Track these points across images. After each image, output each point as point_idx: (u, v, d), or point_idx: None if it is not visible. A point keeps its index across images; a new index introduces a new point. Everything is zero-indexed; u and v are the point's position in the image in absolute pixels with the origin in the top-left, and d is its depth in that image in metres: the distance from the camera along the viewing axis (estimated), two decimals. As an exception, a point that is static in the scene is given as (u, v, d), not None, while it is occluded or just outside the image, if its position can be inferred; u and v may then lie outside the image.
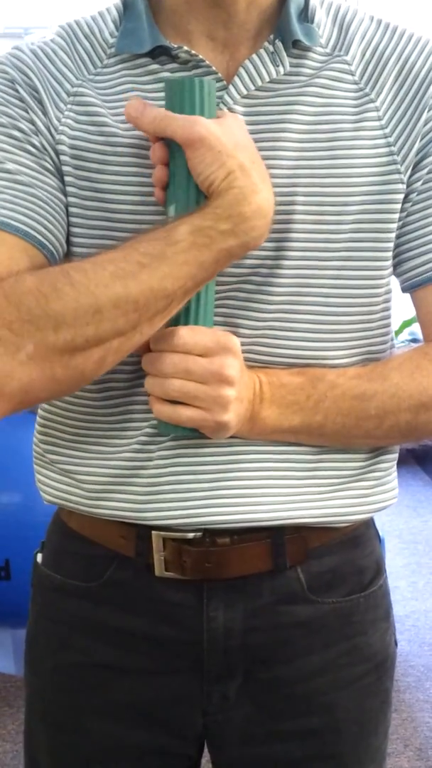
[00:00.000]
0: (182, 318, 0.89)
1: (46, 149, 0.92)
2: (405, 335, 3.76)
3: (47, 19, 4.86)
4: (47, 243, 0.91)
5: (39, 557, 1.08)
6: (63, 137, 0.93)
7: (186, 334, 0.88)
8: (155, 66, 0.94)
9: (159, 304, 0.84)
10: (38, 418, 1.04)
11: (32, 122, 0.92)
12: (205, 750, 1.06)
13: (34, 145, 0.92)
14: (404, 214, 0.96)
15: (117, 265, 0.83)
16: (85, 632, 1.02)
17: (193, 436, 0.92)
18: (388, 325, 1.01)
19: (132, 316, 0.83)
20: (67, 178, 0.93)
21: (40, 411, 1.04)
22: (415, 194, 0.96)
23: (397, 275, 1.00)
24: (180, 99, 0.85)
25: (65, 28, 0.98)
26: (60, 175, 0.93)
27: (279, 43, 0.93)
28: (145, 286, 0.83)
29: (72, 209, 0.93)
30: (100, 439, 0.98)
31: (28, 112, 0.92)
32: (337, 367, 0.96)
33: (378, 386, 0.95)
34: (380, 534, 1.10)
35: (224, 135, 0.85)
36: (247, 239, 0.87)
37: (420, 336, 1.02)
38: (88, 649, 1.02)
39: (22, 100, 0.93)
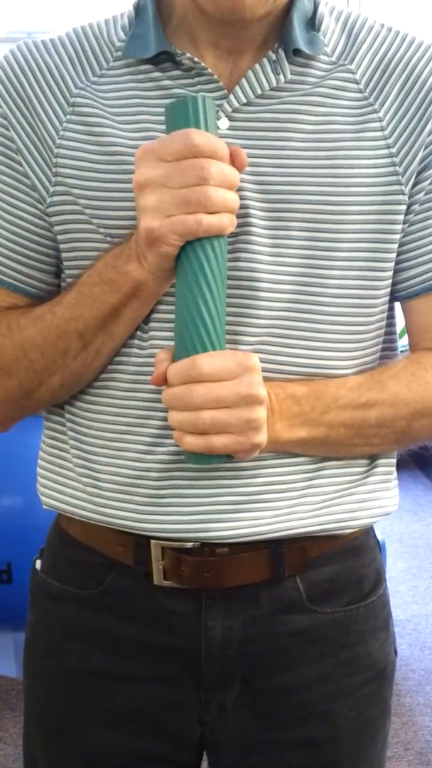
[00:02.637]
0: (196, 345, 0.85)
1: (35, 186, 0.96)
2: (405, 341, 3.76)
3: (50, 24, 4.88)
4: (27, 287, 0.99)
5: (38, 564, 1.08)
6: (62, 150, 0.94)
7: (205, 362, 0.84)
8: (158, 73, 0.94)
9: (71, 338, 0.93)
10: (45, 424, 1.05)
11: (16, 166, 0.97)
12: (204, 755, 1.06)
13: (17, 182, 0.97)
14: (406, 225, 0.96)
15: (42, 308, 0.95)
16: (83, 639, 1.02)
17: (225, 461, 0.89)
18: (381, 335, 1.01)
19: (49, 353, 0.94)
20: (64, 197, 0.95)
21: (45, 422, 1.05)
22: (417, 205, 0.96)
23: (392, 284, 1.00)
24: (179, 119, 0.84)
25: (77, 27, 1.00)
26: (46, 205, 0.96)
27: (281, 52, 0.93)
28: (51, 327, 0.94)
29: (67, 225, 0.96)
30: (101, 449, 0.99)
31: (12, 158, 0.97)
32: (335, 377, 0.96)
33: (377, 395, 0.96)
34: (381, 538, 1.10)
35: None
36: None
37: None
38: (86, 656, 1.02)
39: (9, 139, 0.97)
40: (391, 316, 1.03)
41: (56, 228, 0.97)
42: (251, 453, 0.89)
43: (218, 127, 0.90)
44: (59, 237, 0.97)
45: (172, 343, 0.89)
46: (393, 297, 1.01)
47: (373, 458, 1.02)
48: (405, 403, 0.96)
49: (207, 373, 0.84)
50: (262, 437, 0.87)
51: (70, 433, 1.01)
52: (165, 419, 0.94)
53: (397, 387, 0.96)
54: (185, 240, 0.84)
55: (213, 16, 0.91)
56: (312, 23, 0.96)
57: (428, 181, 0.95)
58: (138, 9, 0.98)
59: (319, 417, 0.94)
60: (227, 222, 0.84)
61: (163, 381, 0.87)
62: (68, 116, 0.95)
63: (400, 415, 0.96)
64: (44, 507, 1.05)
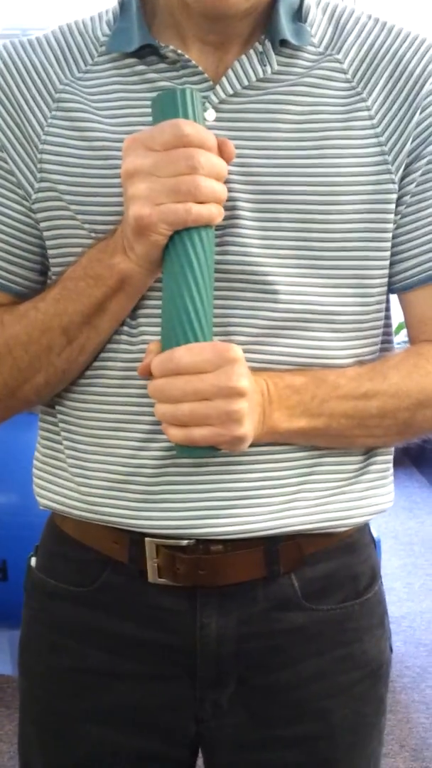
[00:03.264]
0: (179, 337, 0.85)
1: (20, 183, 0.96)
2: (402, 336, 3.75)
3: (45, 21, 4.87)
4: (12, 285, 0.99)
5: (33, 561, 1.08)
6: (47, 146, 0.95)
7: (183, 354, 0.84)
8: (142, 67, 0.95)
9: (54, 334, 0.93)
10: (40, 425, 1.05)
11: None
12: (200, 752, 1.06)
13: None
14: (398, 216, 0.96)
15: (26, 305, 0.96)
16: (78, 637, 1.02)
17: (212, 454, 0.89)
18: (379, 327, 1.00)
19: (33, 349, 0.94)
20: (49, 193, 0.95)
21: (40, 422, 1.05)
22: (408, 196, 0.95)
23: (388, 276, 1.00)
24: (166, 111, 0.84)
25: (62, 25, 1.00)
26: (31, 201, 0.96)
27: (268, 43, 0.93)
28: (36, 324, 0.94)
29: (52, 222, 0.96)
30: (93, 446, 0.98)
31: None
32: (334, 368, 0.96)
33: (378, 385, 0.95)
34: (376, 535, 1.10)
35: None
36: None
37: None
38: (81, 654, 1.02)
39: None
40: (387, 308, 1.02)
41: (42, 224, 0.97)
42: (236, 446, 0.88)
43: (205, 119, 0.90)
44: (45, 234, 0.97)
45: (157, 337, 0.89)
46: (390, 290, 1.01)
47: (368, 455, 1.02)
48: (407, 394, 0.96)
49: (184, 366, 0.84)
50: (243, 429, 0.86)
51: (63, 433, 1.01)
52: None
53: (398, 377, 0.96)
54: (174, 229, 0.84)
55: (197, 11, 0.91)
56: (299, 15, 0.96)
57: (418, 173, 0.95)
58: (122, 5, 0.98)
59: (319, 406, 0.93)
60: (216, 212, 0.85)
61: (149, 372, 0.87)
62: (53, 112, 0.95)
63: (402, 406, 0.96)
64: (40, 507, 1.05)
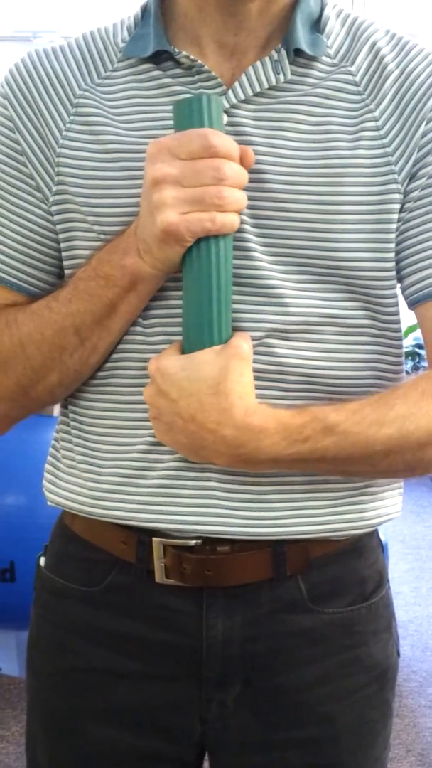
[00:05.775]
0: (205, 338, 0.89)
1: (39, 186, 0.97)
2: (410, 340, 3.75)
3: (56, 23, 4.89)
4: (29, 287, 1.00)
5: (42, 560, 1.09)
6: (64, 150, 0.96)
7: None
8: (158, 72, 0.96)
9: (69, 335, 0.94)
10: (58, 422, 1.06)
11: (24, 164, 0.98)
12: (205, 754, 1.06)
13: (24, 183, 0.98)
14: (402, 225, 0.96)
15: (39, 303, 0.97)
16: (85, 636, 1.02)
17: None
18: (388, 331, 0.99)
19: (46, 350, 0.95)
20: (65, 196, 0.96)
21: (60, 417, 1.06)
22: (411, 203, 0.95)
23: (402, 290, 1.00)
24: (191, 117, 0.86)
25: (86, 32, 1.02)
26: (50, 204, 0.98)
27: (283, 52, 0.94)
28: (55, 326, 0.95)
29: (67, 224, 0.97)
30: (104, 444, 0.99)
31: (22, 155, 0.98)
32: (338, 377, 0.96)
33: (383, 417, 0.91)
34: (383, 539, 1.10)
35: None
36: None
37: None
38: (88, 654, 1.02)
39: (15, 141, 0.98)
40: (396, 313, 1.01)
41: (59, 227, 0.98)
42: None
43: (224, 125, 0.91)
44: (60, 236, 0.99)
45: (176, 338, 0.92)
46: (407, 305, 1.00)
47: None
48: (415, 426, 0.91)
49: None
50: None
51: (74, 431, 1.02)
52: None
53: (404, 408, 0.91)
54: (197, 237, 0.86)
55: (212, 4, 0.92)
56: (317, 25, 0.97)
57: (423, 179, 0.95)
58: (144, 11, 1.00)
59: (318, 447, 0.90)
60: (237, 221, 0.88)
61: None
62: (71, 117, 0.97)
63: (410, 443, 0.91)
64: (48, 504, 1.06)
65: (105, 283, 0.92)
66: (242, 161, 0.88)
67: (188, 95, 0.93)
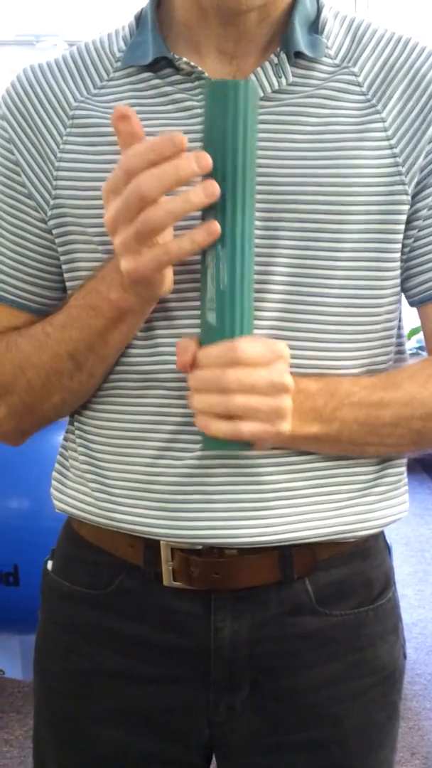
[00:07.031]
0: (226, 329, 0.83)
1: (39, 205, 0.97)
2: (413, 342, 3.75)
3: (59, 27, 4.89)
4: (29, 303, 1.01)
5: (49, 564, 1.09)
6: (62, 164, 0.96)
7: (248, 347, 0.82)
8: (157, 81, 0.96)
9: (65, 362, 0.95)
10: (65, 430, 1.06)
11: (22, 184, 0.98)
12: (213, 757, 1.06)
13: (23, 204, 0.99)
14: (414, 230, 0.96)
15: (37, 328, 0.98)
16: (93, 640, 1.03)
17: (245, 448, 0.87)
18: (391, 334, 1.01)
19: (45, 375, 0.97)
20: (63, 209, 0.96)
21: (66, 426, 1.06)
22: (425, 210, 0.96)
23: (405, 290, 1.01)
24: (222, 102, 0.80)
25: (80, 44, 1.01)
26: (48, 220, 0.98)
27: (283, 55, 0.94)
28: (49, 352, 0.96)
29: (65, 237, 0.97)
30: (111, 455, 0.99)
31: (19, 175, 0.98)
32: (345, 374, 0.96)
33: (392, 394, 0.95)
34: (388, 542, 1.10)
35: None
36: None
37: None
38: (96, 657, 1.02)
39: (13, 162, 0.98)
40: (399, 315, 1.03)
41: (58, 241, 0.98)
42: (272, 442, 0.89)
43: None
44: (60, 249, 0.99)
45: (173, 348, 0.89)
46: (409, 303, 1.02)
47: (382, 465, 1.02)
48: (421, 403, 0.96)
49: (247, 358, 0.82)
50: (286, 426, 0.86)
51: (80, 447, 1.02)
52: (175, 424, 0.95)
53: (412, 387, 0.96)
54: (163, 267, 0.84)
55: (211, 10, 0.92)
56: (315, 26, 0.97)
57: None
58: (139, 19, 0.99)
59: (332, 413, 0.93)
60: (186, 240, 0.81)
61: (190, 367, 0.85)
62: (68, 129, 0.97)
63: (415, 415, 0.96)
64: (56, 510, 1.06)
65: (94, 314, 0.92)
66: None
67: (223, 80, 0.88)
